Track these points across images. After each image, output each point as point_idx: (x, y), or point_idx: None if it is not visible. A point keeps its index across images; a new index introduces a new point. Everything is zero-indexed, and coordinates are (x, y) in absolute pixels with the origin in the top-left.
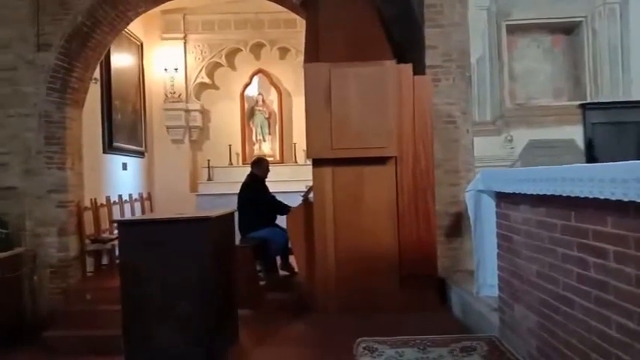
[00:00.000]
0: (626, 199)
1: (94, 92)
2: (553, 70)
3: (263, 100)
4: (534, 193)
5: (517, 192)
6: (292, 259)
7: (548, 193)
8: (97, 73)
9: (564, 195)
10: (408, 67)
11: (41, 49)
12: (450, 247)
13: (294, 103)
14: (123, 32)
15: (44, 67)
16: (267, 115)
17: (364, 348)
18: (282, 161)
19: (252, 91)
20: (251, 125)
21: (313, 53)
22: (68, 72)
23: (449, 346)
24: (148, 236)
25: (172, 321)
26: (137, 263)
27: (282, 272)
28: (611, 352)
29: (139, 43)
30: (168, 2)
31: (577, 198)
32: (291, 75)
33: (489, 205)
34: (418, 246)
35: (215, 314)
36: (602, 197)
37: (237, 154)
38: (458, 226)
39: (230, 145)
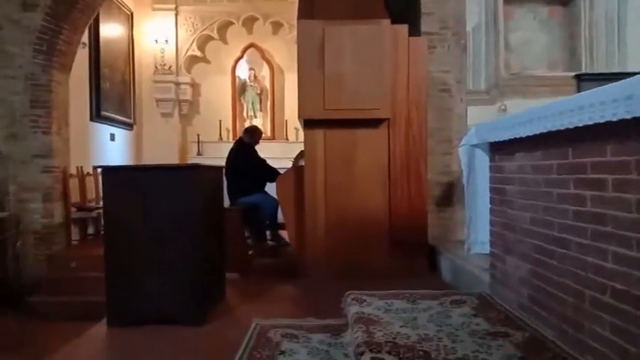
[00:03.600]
0: (629, 117)
1: (82, 58)
2: (549, 41)
3: (255, 76)
4: (531, 134)
5: (513, 137)
6: (282, 233)
7: (546, 131)
8: (85, 39)
9: (562, 128)
10: (403, 28)
11: (27, 9)
12: (441, 217)
13: (287, 79)
14: (113, 1)
15: (30, 27)
16: (258, 91)
17: (352, 299)
18: (273, 138)
19: (244, 67)
20: (242, 101)
21: (307, 11)
22: (55, 34)
23: (438, 300)
24: (133, 184)
25: (158, 269)
26: (121, 211)
27: (270, 243)
28: (607, 285)
29: (129, 13)
30: None
31: (575, 131)
32: (284, 50)
33: (483, 161)
34: (409, 212)
35: (202, 264)
36: (603, 121)
37: (228, 130)
38: (449, 195)
39: (220, 121)
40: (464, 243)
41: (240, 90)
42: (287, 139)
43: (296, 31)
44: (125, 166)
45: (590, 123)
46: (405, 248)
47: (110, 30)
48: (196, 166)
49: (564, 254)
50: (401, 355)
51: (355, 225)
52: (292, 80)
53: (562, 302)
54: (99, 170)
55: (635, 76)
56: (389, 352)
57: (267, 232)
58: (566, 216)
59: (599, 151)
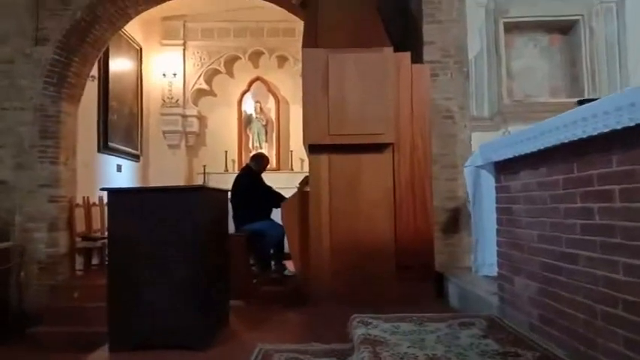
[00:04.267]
0: (632, 124)
1: (91, 90)
2: (550, 68)
3: (260, 108)
4: (535, 149)
5: (518, 155)
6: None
7: (550, 145)
8: (95, 72)
9: (567, 141)
10: (406, 56)
11: (39, 43)
12: (447, 244)
13: (292, 110)
14: (122, 36)
15: (41, 60)
16: (264, 123)
17: (358, 322)
18: (278, 168)
19: (250, 99)
20: (248, 132)
21: (311, 40)
22: (65, 66)
23: (446, 322)
24: (138, 205)
25: (161, 292)
26: (126, 233)
27: (274, 275)
28: (618, 298)
29: (138, 48)
30: (169, 8)
31: (579, 144)
32: (289, 83)
33: (488, 182)
34: (415, 236)
35: (206, 287)
36: (607, 130)
37: (234, 161)
38: (456, 222)
39: (226, 152)
40: (471, 270)
41: (246, 122)
42: (292, 169)
43: (301, 64)
44: (131, 188)
45: (595, 134)
46: (411, 273)
47: (119, 64)
48: (201, 187)
49: (574, 270)
50: None
51: (360, 250)
52: (297, 112)
53: (573, 320)
54: (105, 198)
55: (637, 86)
56: None
57: (272, 263)
58: (574, 230)
59: (604, 162)
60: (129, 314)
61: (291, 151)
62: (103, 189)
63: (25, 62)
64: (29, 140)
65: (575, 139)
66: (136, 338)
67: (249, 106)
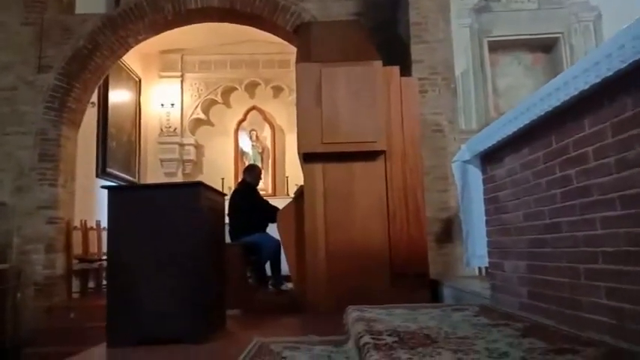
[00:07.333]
0: (599, 80)
1: (91, 117)
2: (535, 85)
3: (257, 136)
4: (517, 128)
5: (502, 139)
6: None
7: (529, 121)
8: (94, 99)
9: (545, 115)
10: (395, 69)
11: (42, 71)
12: (441, 253)
13: (287, 138)
14: (122, 67)
15: (43, 87)
16: (260, 150)
17: (354, 309)
18: (274, 194)
19: (247, 128)
20: (244, 160)
21: (305, 57)
22: (66, 92)
23: (439, 308)
24: (137, 203)
25: (159, 287)
26: (124, 230)
27: (271, 288)
28: (597, 252)
29: (137, 79)
30: (168, 42)
31: (556, 116)
32: (284, 112)
33: (475, 176)
34: (409, 243)
35: (203, 284)
36: (577, 92)
37: (230, 188)
38: (449, 231)
39: (223, 179)
40: (465, 279)
41: (242, 150)
42: (288, 194)
43: (295, 94)
44: (130, 185)
45: (568, 98)
46: (406, 279)
47: (119, 93)
48: (199, 184)
49: (557, 238)
50: (401, 336)
51: (356, 257)
52: (292, 139)
53: (559, 286)
54: (102, 223)
55: (600, 45)
56: (389, 335)
57: (269, 283)
58: (555, 200)
59: (578, 128)
60: (126, 311)
61: (287, 177)
62: (103, 187)
63: (27, 89)
64: (29, 163)
65: (551, 109)
66: (133, 335)
67: (245, 135)
